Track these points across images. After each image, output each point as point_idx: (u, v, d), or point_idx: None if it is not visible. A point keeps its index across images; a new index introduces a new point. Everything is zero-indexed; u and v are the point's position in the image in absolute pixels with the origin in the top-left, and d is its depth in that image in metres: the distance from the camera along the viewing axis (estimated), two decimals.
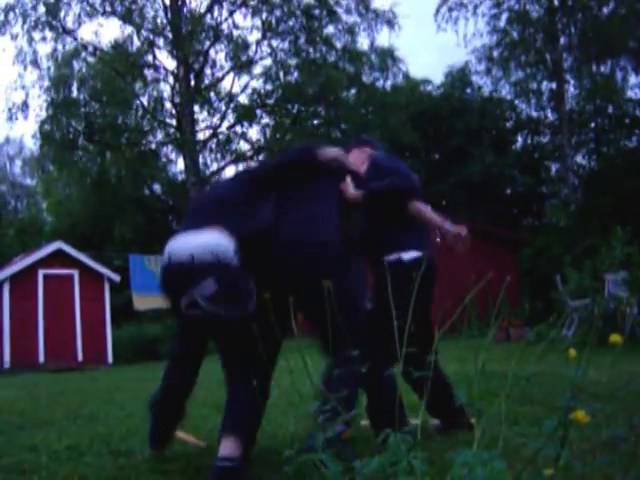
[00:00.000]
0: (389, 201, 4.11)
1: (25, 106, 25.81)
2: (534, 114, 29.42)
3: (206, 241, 3.26)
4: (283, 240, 3.57)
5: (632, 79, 27.42)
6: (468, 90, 30.46)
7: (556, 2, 24.77)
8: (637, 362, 6.56)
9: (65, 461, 3.86)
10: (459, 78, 30.08)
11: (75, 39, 25.65)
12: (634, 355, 7.11)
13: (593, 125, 28.23)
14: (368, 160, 4.41)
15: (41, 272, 16.61)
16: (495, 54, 27.00)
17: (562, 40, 25.82)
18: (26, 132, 57.50)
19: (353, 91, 28.24)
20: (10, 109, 25.80)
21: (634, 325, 10.27)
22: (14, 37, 24.95)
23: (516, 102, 29.72)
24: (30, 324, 16.29)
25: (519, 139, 31.10)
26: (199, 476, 3.39)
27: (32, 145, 30.90)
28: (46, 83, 25.96)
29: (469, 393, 3.16)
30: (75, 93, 26.34)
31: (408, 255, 4.06)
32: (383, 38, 63.65)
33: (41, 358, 16.20)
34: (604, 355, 2.75)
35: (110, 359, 17.13)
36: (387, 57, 27.95)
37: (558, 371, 5.66)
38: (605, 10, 24.55)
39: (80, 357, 16.65)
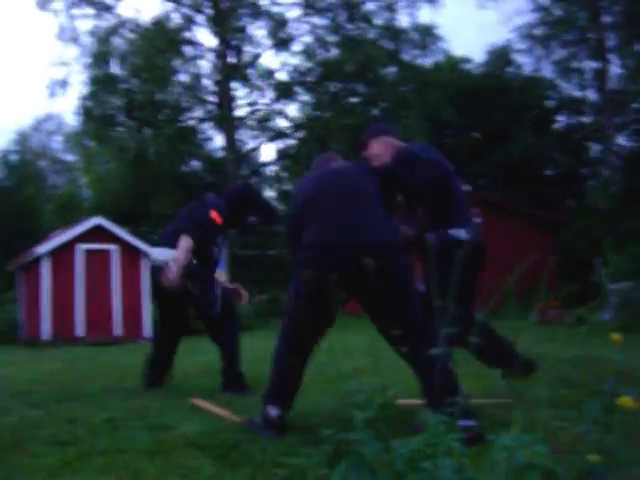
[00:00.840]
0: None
1: (66, 82, 26.05)
2: (576, 94, 28.98)
3: None
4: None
5: None
6: (509, 69, 30.07)
7: None
8: None
9: (102, 434, 3.89)
10: (500, 57, 29.70)
11: (115, 15, 25.79)
12: None
13: (636, 106, 27.71)
14: (396, 153, 4.32)
15: (80, 247, 16.76)
16: (537, 32, 26.60)
17: (605, 19, 25.34)
18: (67, 108, 58.04)
19: (393, 69, 28.00)
20: (51, 85, 26.05)
21: None
22: (55, 14, 25.16)
23: (558, 82, 29.27)
24: (69, 298, 16.46)
25: (560, 119, 30.67)
26: (235, 451, 3.39)
27: (72, 121, 31.19)
28: (86, 60, 26.16)
29: (509, 375, 3.12)
30: (115, 69, 26.50)
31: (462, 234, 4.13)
32: (424, 15, 63.05)
33: (80, 332, 16.38)
34: None
35: (149, 333, 17.29)
36: (427, 34, 27.64)
37: (598, 354, 5.59)
38: None
39: (118, 331, 16.81)
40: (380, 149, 4.51)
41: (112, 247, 17.12)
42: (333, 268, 3.72)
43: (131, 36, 26.38)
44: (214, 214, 5.68)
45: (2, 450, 3.60)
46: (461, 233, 4.25)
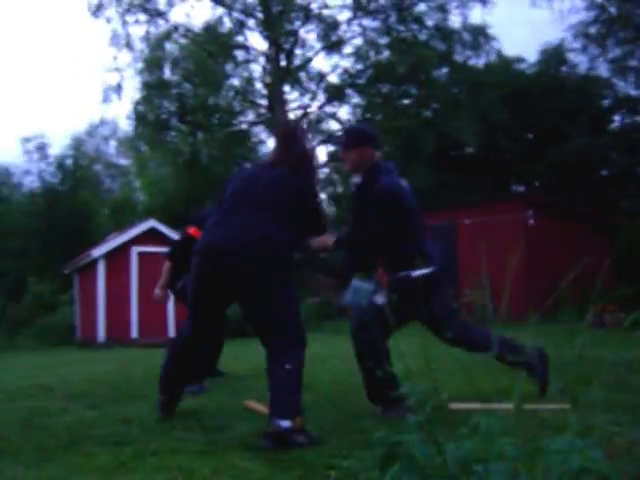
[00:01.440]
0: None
1: (119, 88, 26.43)
2: (632, 93, 28.44)
3: None
4: None
5: None
6: (564, 68, 29.64)
7: None
8: None
9: (156, 434, 3.95)
10: (554, 56, 29.30)
11: (167, 21, 26.10)
12: None
13: None
14: (371, 167, 4.58)
15: (135, 249, 17.01)
16: (592, 31, 26.19)
17: None
18: (120, 113, 58.87)
19: (445, 70, 27.82)
20: (105, 91, 26.46)
21: None
22: (109, 20, 25.55)
23: (614, 80, 28.76)
24: (124, 300, 16.72)
25: (617, 119, 30.14)
26: (286, 452, 3.41)
27: (126, 126, 31.63)
28: (139, 65, 26.52)
29: (564, 379, 3.08)
30: (167, 74, 26.81)
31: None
32: (476, 15, 62.51)
33: (134, 334, 16.62)
34: None
35: None
36: (479, 35, 27.38)
37: None
38: None
39: (172, 333, 17.01)
40: (357, 158, 4.67)
41: (166, 250, 17.33)
42: (208, 272, 4.03)
43: (183, 41, 26.67)
44: (192, 230, 6.63)
45: (59, 449, 3.67)
46: (422, 270, 4.40)
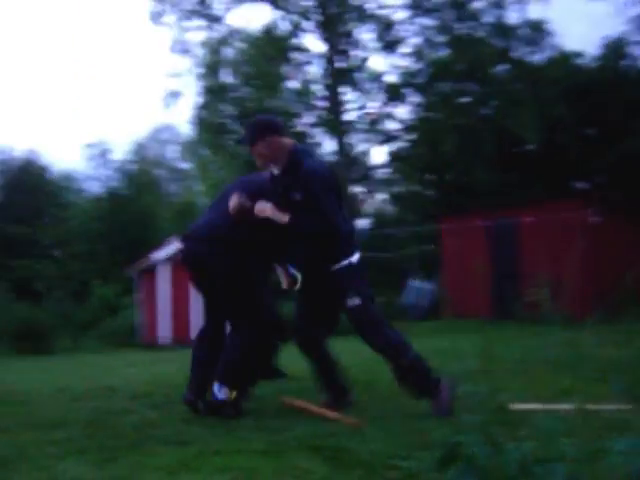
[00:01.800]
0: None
1: (180, 93, 26.78)
2: None
3: None
4: None
5: None
6: (625, 62, 29.02)
7: None
8: None
9: (218, 435, 4.00)
10: (615, 49, 28.71)
11: (225, 26, 26.36)
12: None
13: None
14: (291, 154, 4.58)
15: None
16: None
17: None
18: (181, 118, 59.68)
19: (504, 66, 27.47)
20: (166, 96, 26.84)
21: None
22: (168, 27, 25.96)
23: None
24: (185, 303, 16.91)
25: None
26: (346, 452, 3.42)
27: (187, 130, 31.95)
28: (199, 70, 26.80)
29: (626, 379, 3.03)
30: (225, 78, 27.03)
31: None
32: (534, 11, 61.62)
33: (195, 335, 16.82)
34: None
35: None
36: (538, 30, 26.96)
37: None
38: None
39: None
40: (267, 149, 4.60)
41: None
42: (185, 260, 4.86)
43: (241, 45, 26.86)
44: None
45: (123, 449, 3.74)
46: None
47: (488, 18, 26.13)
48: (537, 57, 27.43)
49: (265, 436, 3.89)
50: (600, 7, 55.51)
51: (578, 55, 29.35)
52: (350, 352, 5.74)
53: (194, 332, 16.56)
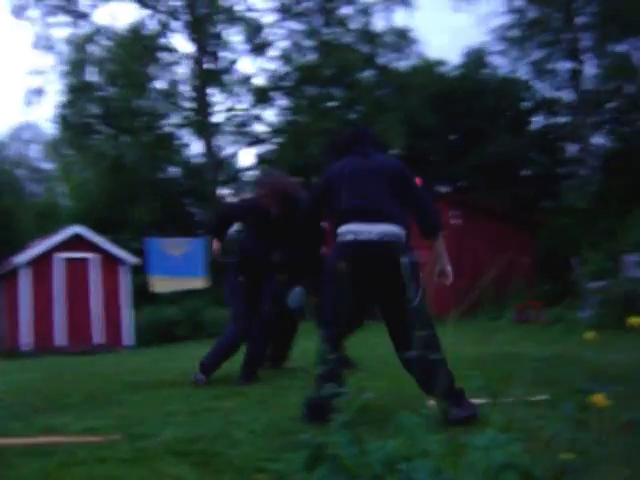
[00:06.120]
0: None
1: (42, 91, 25.94)
2: (551, 94, 29.12)
3: None
4: None
5: None
6: (485, 71, 30.18)
7: None
8: None
9: (83, 444, 3.88)
10: (476, 59, 29.81)
11: (91, 23, 25.72)
12: None
13: (611, 105, 27.88)
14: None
15: (60, 256, 16.69)
16: (512, 34, 26.76)
17: (579, 20, 25.55)
18: (44, 116, 57.77)
19: (370, 72, 28.03)
20: (28, 94, 25.94)
21: None
22: (31, 21, 25.12)
23: (533, 83, 29.40)
24: (49, 308, 16.40)
25: (536, 120, 30.81)
26: (215, 457, 3.38)
27: (50, 129, 31.04)
28: (63, 67, 26.05)
29: (485, 375, 3.14)
30: (91, 77, 26.37)
31: None
32: (399, 19, 63.20)
33: (60, 341, 16.31)
34: (622, 337, 2.72)
35: (128, 341, 17.23)
36: (403, 38, 27.66)
37: (575, 353, 5.63)
38: None
39: (99, 340, 16.76)
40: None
41: (91, 256, 17.06)
42: None
43: (107, 43, 26.27)
44: None
45: None
46: None
47: (355, 24, 26.60)
48: (402, 64, 28.13)
49: (131, 443, 3.81)
50: (463, 19, 57.56)
51: (441, 63, 30.30)
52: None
53: (59, 338, 16.07)
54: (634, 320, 2.11)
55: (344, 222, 4.14)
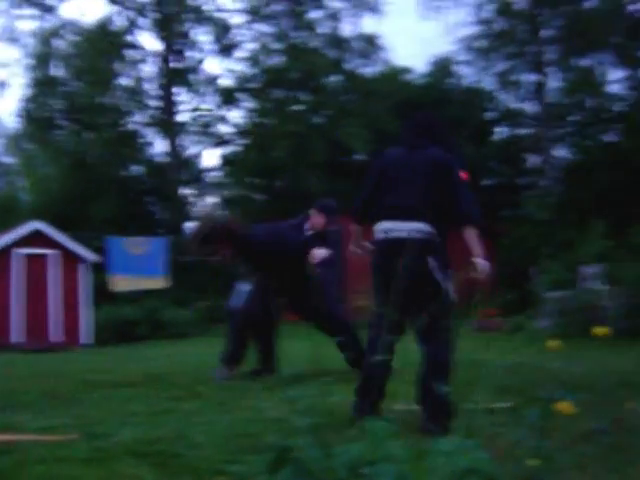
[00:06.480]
0: None
1: (5, 84, 25.62)
2: (515, 106, 29.42)
3: None
4: None
5: (613, 74, 27.58)
6: (451, 80, 30.39)
7: None
8: (614, 354, 6.60)
9: (40, 444, 3.82)
10: (442, 68, 30.01)
11: (57, 17, 25.45)
12: (610, 347, 7.17)
13: (573, 118, 28.25)
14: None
15: (18, 252, 16.47)
16: (479, 45, 27.00)
17: (544, 33, 25.89)
18: (6, 110, 57.06)
19: (337, 77, 28.09)
20: None
21: (611, 318, 10.34)
22: None
23: (498, 93, 29.66)
24: (5, 304, 16.17)
25: (499, 130, 31.11)
26: (175, 458, 3.36)
27: (12, 123, 30.65)
28: (27, 61, 25.75)
29: (449, 380, 3.16)
30: (56, 71, 26.10)
31: None
32: (367, 25, 63.43)
33: (16, 338, 16.08)
34: (583, 346, 2.76)
35: (86, 340, 17.05)
36: (370, 44, 27.75)
37: (534, 361, 5.69)
38: (588, 4, 24.70)
39: (56, 338, 16.56)
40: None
41: (51, 252, 16.87)
42: None
43: (73, 38, 26.01)
44: None
45: None
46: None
47: (324, 29, 26.66)
48: (369, 70, 28.24)
49: (89, 442, 3.76)
50: (431, 28, 58.00)
51: (407, 71, 30.45)
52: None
53: (15, 335, 15.84)
54: (599, 330, 2.13)
55: (379, 219, 4.16)
